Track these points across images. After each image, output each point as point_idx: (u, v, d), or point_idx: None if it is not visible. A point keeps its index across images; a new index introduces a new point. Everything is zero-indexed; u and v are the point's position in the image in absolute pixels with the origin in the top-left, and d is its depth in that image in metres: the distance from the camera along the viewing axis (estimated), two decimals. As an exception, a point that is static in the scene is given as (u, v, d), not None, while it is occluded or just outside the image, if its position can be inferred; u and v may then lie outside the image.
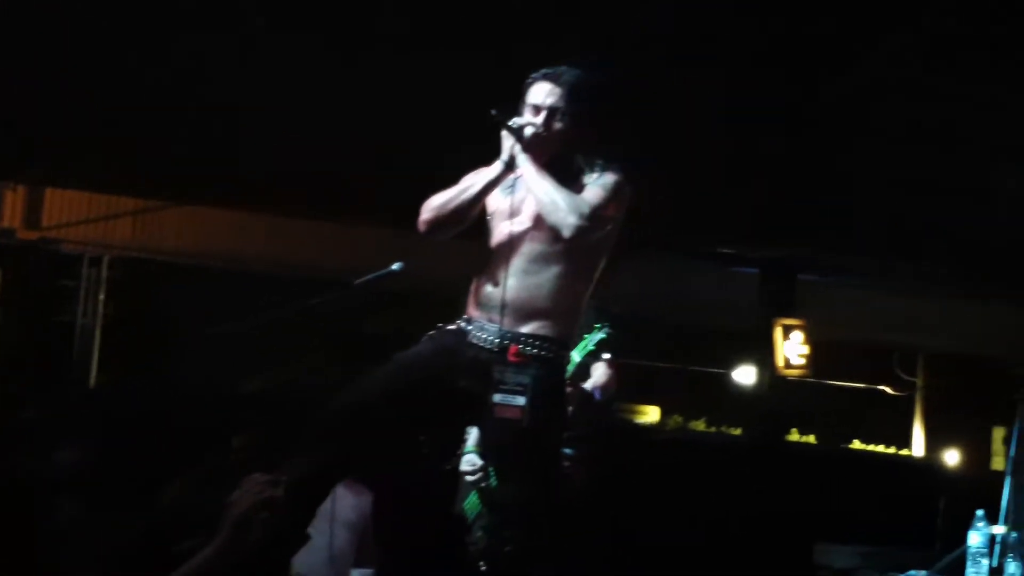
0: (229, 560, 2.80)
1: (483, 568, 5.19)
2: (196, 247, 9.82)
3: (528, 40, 6.13)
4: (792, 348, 9.54)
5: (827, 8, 7.19)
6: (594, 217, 3.79)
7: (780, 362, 9.51)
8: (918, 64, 7.75)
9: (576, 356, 5.32)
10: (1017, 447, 5.97)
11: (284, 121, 7.75)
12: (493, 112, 3.85)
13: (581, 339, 5.33)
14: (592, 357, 5.35)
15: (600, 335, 5.29)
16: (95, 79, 7.72)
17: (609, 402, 5.73)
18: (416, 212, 4.17)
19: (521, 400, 3.69)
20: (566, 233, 3.76)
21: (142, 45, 7.50)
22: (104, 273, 10.74)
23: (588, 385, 5.42)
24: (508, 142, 3.91)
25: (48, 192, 9.60)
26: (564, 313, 3.88)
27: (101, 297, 10.75)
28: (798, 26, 7.78)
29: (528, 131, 3.87)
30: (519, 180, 3.89)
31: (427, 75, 7.06)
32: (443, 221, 3.97)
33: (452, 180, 4.20)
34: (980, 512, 5.75)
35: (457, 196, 3.95)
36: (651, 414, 13.27)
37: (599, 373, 5.46)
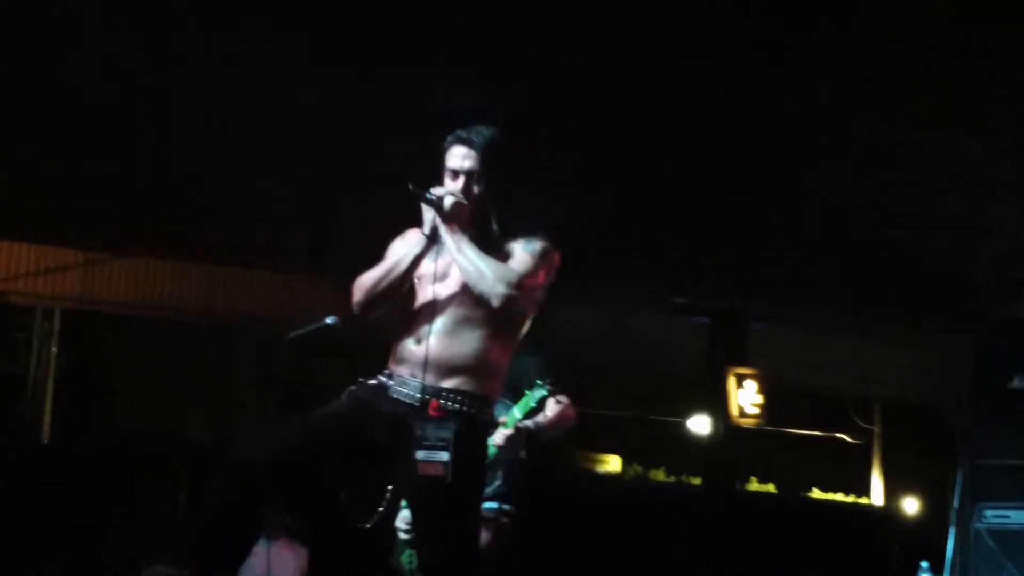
0: None
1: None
2: (143, 298, 9.76)
3: (463, 89, 6.11)
4: (746, 397, 9.53)
5: (768, 52, 7.22)
6: (522, 285, 3.76)
7: (734, 411, 9.49)
8: (866, 120, 7.80)
9: (517, 412, 5.29)
10: (960, 497, 5.97)
11: (227, 174, 7.72)
12: (410, 186, 3.81)
13: (523, 395, 5.31)
14: (533, 414, 5.33)
15: (542, 391, 5.27)
16: (39, 135, 7.69)
17: (555, 453, 5.68)
18: (357, 264, 4.12)
19: (444, 456, 3.64)
20: (495, 303, 3.72)
21: (87, 101, 7.47)
22: (56, 325, 10.69)
23: (531, 421, 5.38)
24: (429, 213, 3.87)
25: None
26: (487, 370, 3.83)
27: (53, 349, 10.70)
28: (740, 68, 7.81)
29: (448, 201, 3.83)
30: (443, 245, 3.85)
31: (365, 131, 7.06)
32: (376, 301, 3.91)
33: (390, 231, 4.17)
34: (925, 563, 5.75)
35: (386, 275, 3.89)
36: (612, 463, 13.25)
37: (547, 410, 5.42)
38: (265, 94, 6.63)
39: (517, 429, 5.29)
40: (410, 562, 5.30)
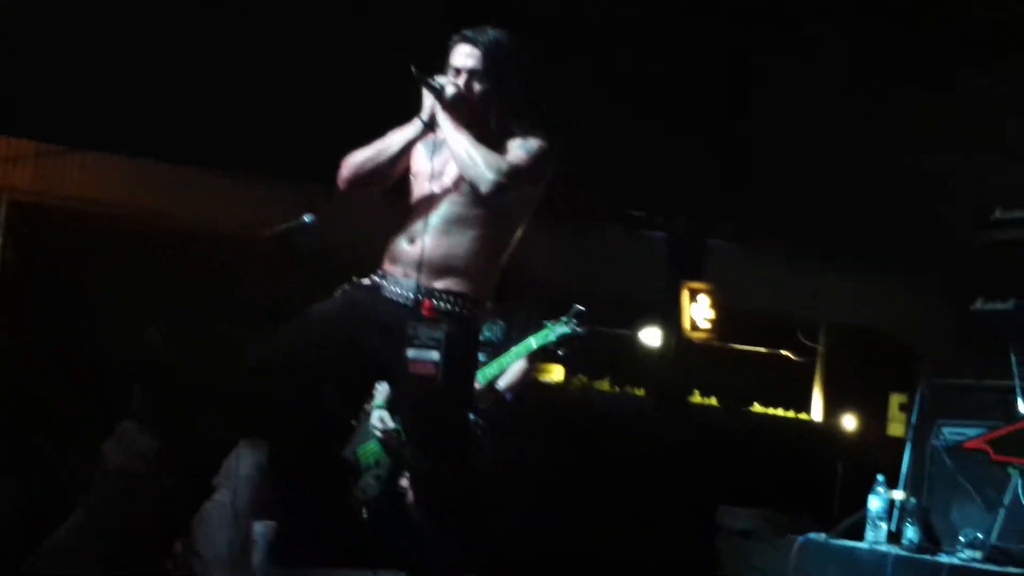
0: None
1: (364, 515, 5.16)
2: (98, 194, 9.61)
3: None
4: (699, 311, 9.60)
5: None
6: (514, 176, 3.76)
7: (687, 325, 9.56)
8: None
9: (533, 343, 5.24)
10: (918, 417, 6.09)
11: (189, 68, 7.60)
12: (413, 69, 3.80)
13: (542, 326, 5.25)
14: (552, 347, 5.24)
15: (565, 329, 5.19)
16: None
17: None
18: (323, 166, 4.10)
19: (435, 355, 3.66)
20: (484, 189, 3.72)
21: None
22: (2, 218, 10.48)
23: (501, 385, 5.35)
24: (428, 100, 3.86)
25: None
26: (480, 272, 3.85)
27: (-1, 242, 10.50)
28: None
29: (449, 90, 3.82)
30: (442, 142, 3.84)
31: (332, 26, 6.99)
32: (362, 179, 3.94)
33: (362, 135, 4.14)
34: (881, 477, 5.86)
35: (377, 154, 3.92)
36: (556, 373, 13.31)
37: (512, 372, 5.39)
38: None
39: (490, 389, 5.22)
40: (369, 455, 5.28)
